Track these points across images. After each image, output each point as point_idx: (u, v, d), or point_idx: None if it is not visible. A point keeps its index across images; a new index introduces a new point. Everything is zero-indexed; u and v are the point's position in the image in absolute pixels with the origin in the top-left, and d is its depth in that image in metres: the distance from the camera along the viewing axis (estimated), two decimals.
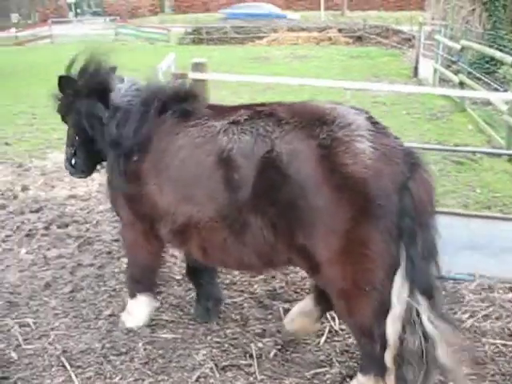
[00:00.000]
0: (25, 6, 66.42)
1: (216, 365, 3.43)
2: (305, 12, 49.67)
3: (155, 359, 3.51)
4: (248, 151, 2.93)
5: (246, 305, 4.09)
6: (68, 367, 3.45)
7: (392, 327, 2.76)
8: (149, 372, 3.39)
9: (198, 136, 3.17)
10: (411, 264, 2.72)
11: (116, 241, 5.23)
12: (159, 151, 3.30)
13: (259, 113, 3.06)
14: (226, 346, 3.62)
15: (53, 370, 3.46)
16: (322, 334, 3.76)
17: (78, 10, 63.66)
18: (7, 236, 5.45)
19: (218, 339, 3.69)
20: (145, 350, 3.59)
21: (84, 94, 3.67)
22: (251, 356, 3.53)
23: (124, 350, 3.60)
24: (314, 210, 2.77)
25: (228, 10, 43.22)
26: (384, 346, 2.84)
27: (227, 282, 4.41)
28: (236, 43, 31.89)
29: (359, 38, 30.33)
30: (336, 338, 3.73)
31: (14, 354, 3.61)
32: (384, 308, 2.79)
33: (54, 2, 65.54)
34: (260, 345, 3.64)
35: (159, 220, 3.38)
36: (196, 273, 3.93)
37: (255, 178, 2.90)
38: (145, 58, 22.31)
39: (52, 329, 3.87)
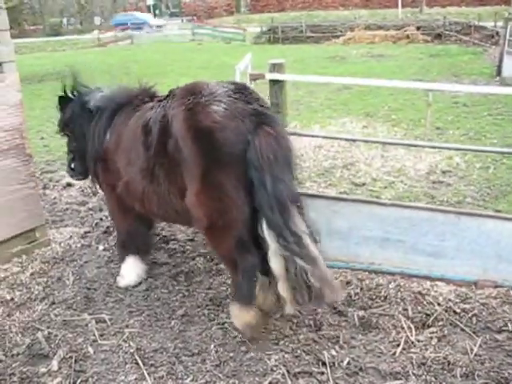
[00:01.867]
0: (107, 9, 68.96)
1: (288, 371, 3.36)
2: (382, 10, 48.77)
3: (227, 362, 3.49)
4: (155, 118, 3.74)
5: (319, 310, 3.99)
6: (141, 365, 3.49)
7: (275, 262, 3.31)
8: (220, 375, 3.37)
9: (137, 116, 4.01)
10: (265, 210, 3.27)
11: (191, 240, 5.27)
12: (118, 134, 4.14)
13: (171, 92, 3.87)
14: (299, 352, 3.54)
15: (126, 366, 3.50)
16: (398, 345, 3.61)
17: (157, 12, 65.29)
18: (86, 232, 5.63)
19: (290, 344, 3.61)
20: (216, 352, 3.58)
21: (76, 108, 4.48)
22: (324, 364, 3.44)
23: (196, 350, 3.60)
24: (184, 160, 3.46)
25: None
26: (251, 278, 3.51)
27: None
28: (312, 42, 31.73)
29: (438, 36, 29.41)
30: (412, 350, 3.57)
31: (90, 349, 3.69)
32: (245, 244, 3.46)
33: (134, 4, 67.68)
34: (333, 352, 3.54)
35: (119, 185, 4.13)
36: None
37: (157, 137, 3.68)
38: (222, 58, 22.65)
39: (127, 326, 3.93)
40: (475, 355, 3.46)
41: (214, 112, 3.34)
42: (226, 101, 3.40)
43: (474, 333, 3.69)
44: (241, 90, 3.53)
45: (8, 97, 4.82)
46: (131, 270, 4.47)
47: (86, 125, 4.36)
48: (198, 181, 3.41)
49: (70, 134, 4.64)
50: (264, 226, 3.31)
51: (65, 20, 68.67)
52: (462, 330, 3.73)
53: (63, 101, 4.56)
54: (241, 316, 3.62)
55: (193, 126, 3.39)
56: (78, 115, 4.44)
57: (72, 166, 4.70)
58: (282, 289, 3.35)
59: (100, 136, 4.24)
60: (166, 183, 3.72)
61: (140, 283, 4.51)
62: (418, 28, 30.70)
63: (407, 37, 29.49)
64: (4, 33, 4.77)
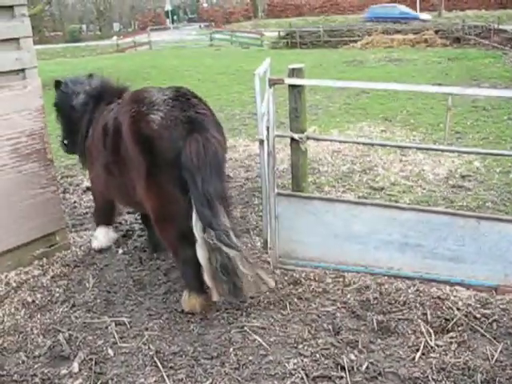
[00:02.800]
0: (126, 15, 69.58)
1: (307, 375, 3.36)
2: None
3: (246, 365, 3.49)
4: (111, 120, 4.32)
5: (338, 314, 3.99)
6: (161, 368, 3.51)
7: (200, 253, 3.72)
8: (239, 378, 3.38)
9: (103, 115, 4.59)
10: (196, 207, 3.68)
11: None
12: (93, 129, 4.76)
13: (125, 97, 4.44)
14: (318, 356, 3.53)
15: (146, 369, 3.53)
16: (417, 350, 3.59)
17: (175, 17, 65.71)
18: None
19: (309, 348, 3.61)
20: (235, 355, 3.58)
21: (63, 96, 5.13)
22: (343, 368, 3.43)
23: (215, 354, 3.61)
24: (131, 159, 3.99)
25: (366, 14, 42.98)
26: (192, 268, 3.95)
27: (319, 290, 4.33)
28: (329, 47, 31.72)
29: (457, 39, 29.27)
30: (432, 355, 3.55)
31: (110, 351, 3.73)
32: (185, 236, 3.85)
33: (153, 10, 68.20)
34: (352, 356, 3.53)
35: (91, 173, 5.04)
36: (146, 216, 4.80)
37: (112, 138, 4.24)
38: (240, 63, 22.71)
39: (146, 329, 3.96)
40: (496, 361, 3.42)
41: (152, 121, 3.80)
42: (164, 109, 3.85)
43: (494, 338, 3.65)
44: (179, 98, 3.94)
45: (30, 102, 4.90)
46: (102, 236, 5.34)
47: (72, 112, 5.03)
48: (143, 180, 3.93)
49: (60, 117, 5.28)
50: (193, 219, 3.72)
51: (84, 26, 69.49)
52: (483, 335, 3.70)
53: (58, 85, 5.20)
54: (187, 301, 4.10)
55: (136, 132, 3.89)
56: (64, 102, 5.10)
57: (65, 142, 5.37)
58: (207, 278, 3.78)
59: (83, 131, 4.94)
60: (121, 178, 4.29)
61: (159, 286, 4.55)
62: (437, 32, 30.59)
63: (425, 41, 29.36)
64: (27, 39, 4.85)
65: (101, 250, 5.29)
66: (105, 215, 5.37)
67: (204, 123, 3.85)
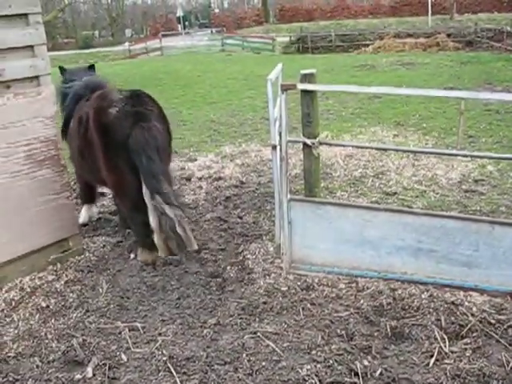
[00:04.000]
0: (138, 21, 70.05)
1: (320, 381, 3.35)
2: (411, 17, 48.44)
3: (259, 371, 3.49)
4: (83, 113, 5.09)
5: (351, 320, 3.98)
6: (174, 373, 3.52)
7: (151, 218, 4.67)
8: (252, 383, 3.38)
9: (81, 108, 5.31)
10: (144, 180, 4.63)
11: (222, 250, 5.31)
12: (73, 119, 5.47)
13: (94, 95, 5.18)
14: (331, 361, 3.52)
15: (160, 374, 3.54)
16: (432, 356, 3.57)
17: (187, 23, 65.96)
18: (118, 242, 5.69)
19: (322, 354, 3.60)
20: (249, 360, 3.58)
21: (66, 83, 6.08)
22: (356, 374, 3.41)
23: (228, 359, 3.62)
24: (94, 144, 4.83)
25: None
26: (143, 230, 4.92)
27: (333, 295, 4.32)
28: (341, 51, 31.71)
29: (470, 43, 29.17)
30: (446, 361, 3.52)
31: (124, 356, 3.75)
32: (137, 206, 4.81)
33: (165, 16, 68.56)
34: (366, 362, 3.52)
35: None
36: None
37: (84, 127, 5.01)
38: (251, 68, 22.75)
39: (159, 334, 3.97)
40: None
41: (110, 113, 4.76)
42: (119, 105, 4.80)
43: (510, 344, 3.62)
44: (132, 97, 4.92)
45: (44, 109, 4.95)
46: (86, 213, 6.34)
47: (65, 102, 5.90)
48: (102, 160, 4.82)
49: (60, 105, 5.95)
50: (144, 190, 4.65)
51: (96, 33, 70.02)
52: (498, 341, 3.67)
53: (61, 71, 6.28)
54: (140, 255, 5.14)
55: (97, 121, 4.79)
56: (63, 91, 6.00)
57: (62, 128, 5.87)
58: (157, 239, 4.76)
59: (68, 119, 5.70)
60: (91, 160, 5.07)
61: (172, 292, 4.56)
62: (449, 35, 30.50)
63: (437, 44, 29.27)
64: (41, 47, 4.90)
65: (85, 225, 6.24)
66: (85, 195, 6.34)
67: (148, 116, 4.80)
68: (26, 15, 4.77)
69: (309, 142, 4.69)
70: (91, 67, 6.39)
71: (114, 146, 4.71)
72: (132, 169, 4.68)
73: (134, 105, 4.82)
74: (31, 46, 4.84)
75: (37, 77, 4.92)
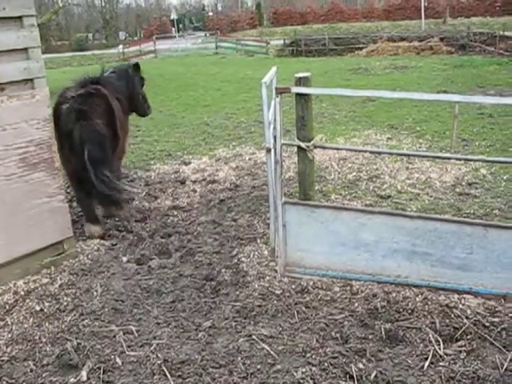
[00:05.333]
0: (132, 24, 70.01)
1: None
2: (405, 21, 48.63)
3: (254, 374, 3.49)
4: (63, 107, 5.58)
5: (346, 323, 3.98)
6: (169, 377, 3.50)
7: (94, 191, 5.58)
8: None
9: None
10: (87, 163, 5.41)
11: (217, 253, 5.30)
12: None
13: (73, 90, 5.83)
14: (326, 364, 3.52)
15: (154, 378, 3.52)
16: (426, 358, 3.58)
17: (180, 26, 65.91)
18: (113, 244, 5.70)
19: (317, 357, 3.60)
20: (244, 364, 3.58)
21: None
22: (351, 377, 3.42)
23: (223, 362, 3.61)
24: (64, 136, 5.48)
25: None
26: (88, 205, 6.06)
27: (327, 298, 4.33)
28: (335, 54, 31.76)
29: (462, 47, 29.24)
30: (441, 363, 3.53)
31: (118, 360, 3.73)
32: (81, 184, 5.74)
33: (158, 19, 68.54)
34: (360, 365, 3.52)
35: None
36: None
37: (60, 119, 5.48)
38: (245, 71, 22.77)
39: (154, 337, 3.96)
40: (506, 370, 3.40)
41: (61, 109, 5.53)
42: (69, 102, 5.55)
43: (504, 347, 3.63)
44: (81, 96, 5.63)
45: (38, 112, 4.94)
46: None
47: None
48: (58, 149, 5.32)
49: None
50: (89, 171, 5.40)
51: (90, 35, 69.93)
52: (492, 343, 3.68)
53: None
54: (87, 229, 5.98)
55: (54, 116, 5.35)
56: None
57: None
58: (100, 209, 6.22)
59: None
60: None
61: (167, 295, 4.55)
62: (442, 39, 30.58)
63: (431, 48, 29.36)
64: (36, 49, 4.89)
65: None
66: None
67: (90, 114, 5.54)
68: (20, 18, 4.76)
69: (303, 145, 4.70)
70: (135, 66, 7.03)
71: (61, 136, 5.44)
72: (74, 156, 5.52)
73: (81, 103, 5.55)
74: (25, 49, 4.83)
75: (31, 79, 4.90)
